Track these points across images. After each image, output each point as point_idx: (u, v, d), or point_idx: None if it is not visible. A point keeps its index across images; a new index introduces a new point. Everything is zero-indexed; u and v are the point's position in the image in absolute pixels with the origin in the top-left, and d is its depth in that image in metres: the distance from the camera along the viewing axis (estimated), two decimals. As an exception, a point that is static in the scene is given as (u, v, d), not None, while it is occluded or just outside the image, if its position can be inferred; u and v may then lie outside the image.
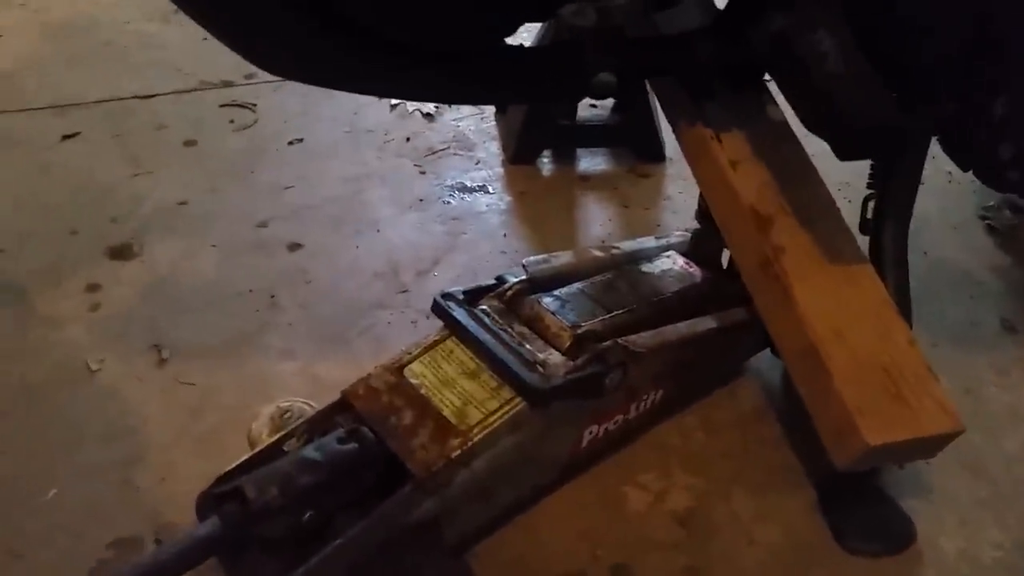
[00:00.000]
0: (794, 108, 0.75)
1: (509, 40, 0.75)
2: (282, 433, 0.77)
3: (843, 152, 0.73)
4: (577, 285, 0.91)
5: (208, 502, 0.69)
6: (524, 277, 0.90)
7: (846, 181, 1.14)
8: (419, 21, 0.66)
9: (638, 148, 1.42)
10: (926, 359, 0.83)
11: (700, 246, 1.02)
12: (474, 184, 1.36)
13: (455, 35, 0.70)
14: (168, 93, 1.52)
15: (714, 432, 0.97)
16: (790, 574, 0.84)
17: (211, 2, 0.65)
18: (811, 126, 0.73)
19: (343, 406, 0.78)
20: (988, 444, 0.97)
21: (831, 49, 0.66)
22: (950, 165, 1.29)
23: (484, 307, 0.86)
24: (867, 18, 0.76)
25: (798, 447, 0.95)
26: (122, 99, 1.50)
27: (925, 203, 1.33)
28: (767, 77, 0.83)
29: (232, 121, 1.46)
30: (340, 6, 0.64)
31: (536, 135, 1.39)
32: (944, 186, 1.41)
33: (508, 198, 1.33)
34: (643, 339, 0.84)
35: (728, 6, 0.76)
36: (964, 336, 1.12)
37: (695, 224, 1.02)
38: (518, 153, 1.40)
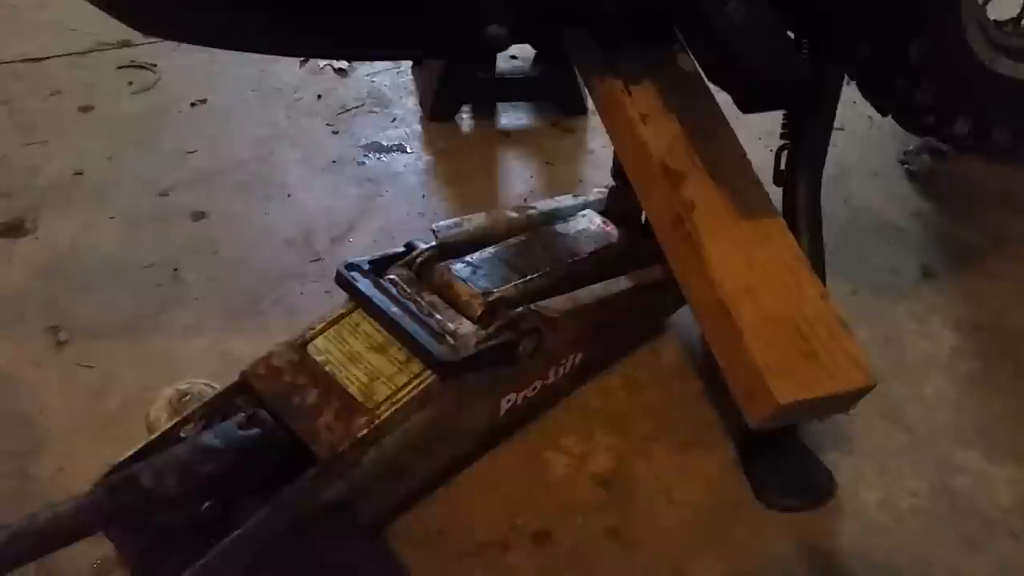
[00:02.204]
0: (697, 59, 0.72)
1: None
2: (179, 418, 0.73)
3: (746, 104, 0.71)
4: (490, 249, 0.88)
5: (105, 487, 0.65)
6: (434, 243, 0.87)
7: (767, 130, 1.12)
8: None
9: (560, 101, 1.39)
10: (840, 312, 0.83)
11: (618, 204, 1.00)
12: (390, 143, 1.31)
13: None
14: (61, 55, 1.43)
15: (636, 391, 0.96)
16: (712, 532, 0.84)
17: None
18: (714, 78, 0.71)
19: (243, 387, 0.75)
20: (907, 392, 0.98)
21: (734, -1, 0.63)
22: (870, 110, 1.29)
23: (392, 276, 0.83)
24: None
25: (719, 403, 0.95)
26: (10, 62, 1.40)
27: (846, 150, 1.33)
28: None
29: (131, 83, 1.38)
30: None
31: (454, 90, 1.35)
32: (865, 132, 1.40)
33: (427, 157, 1.29)
34: (557, 303, 0.81)
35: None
36: (884, 283, 1.13)
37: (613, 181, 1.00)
38: (436, 109, 1.35)
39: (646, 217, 0.96)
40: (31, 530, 0.57)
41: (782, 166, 0.91)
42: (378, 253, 0.85)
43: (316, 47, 0.74)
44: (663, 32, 0.78)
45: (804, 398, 0.76)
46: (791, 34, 0.81)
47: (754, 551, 0.82)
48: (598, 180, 1.24)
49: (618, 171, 0.96)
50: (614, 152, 0.94)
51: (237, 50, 0.68)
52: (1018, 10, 1.27)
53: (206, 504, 0.66)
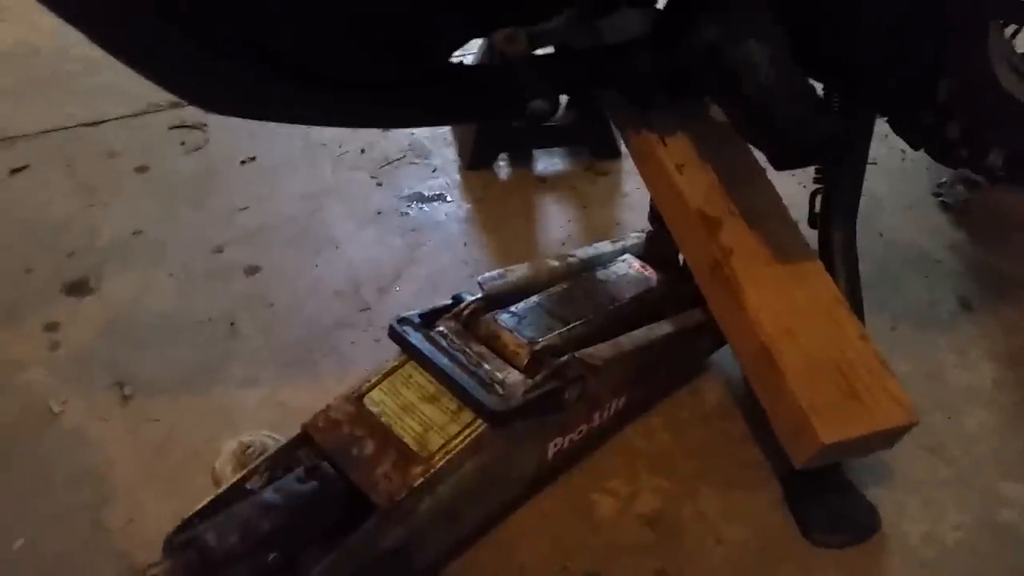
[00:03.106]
0: (730, 120, 0.75)
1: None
2: (244, 472, 0.76)
3: (780, 162, 0.74)
4: (534, 299, 0.92)
5: (173, 549, 0.69)
6: (480, 295, 0.90)
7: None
8: (351, 57, 0.66)
9: (593, 146, 1.42)
10: (880, 347, 0.85)
11: (655, 247, 1.03)
12: (432, 193, 1.35)
13: (389, 63, 0.69)
14: (116, 118, 1.50)
15: (679, 431, 0.98)
16: (759, 571, 0.85)
17: (139, 52, 0.64)
18: (747, 138, 0.74)
19: (304, 439, 0.78)
20: (948, 425, 0.99)
21: (762, 60, 0.67)
22: (903, 144, 1.30)
23: (441, 329, 0.86)
24: (801, 18, 0.76)
25: (763, 441, 0.96)
26: (70, 128, 1.47)
27: (879, 183, 1.35)
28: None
29: (183, 143, 1.44)
30: (274, 50, 0.64)
31: (491, 139, 1.39)
32: (898, 165, 1.42)
33: (467, 205, 1.33)
34: (600, 351, 0.84)
35: (663, 17, 0.76)
36: (923, 317, 1.14)
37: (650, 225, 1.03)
38: (474, 158, 1.40)
39: (684, 259, 0.98)
40: None
41: (816, 209, 0.93)
42: (427, 307, 0.88)
43: (369, 120, 0.78)
44: (694, 92, 0.82)
45: (847, 437, 0.78)
46: (819, 85, 0.84)
47: (802, 589, 0.83)
48: (634, 222, 1.27)
49: (655, 215, 0.99)
50: (651, 198, 0.97)
51: (297, 123, 0.73)
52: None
53: (272, 556, 0.69)
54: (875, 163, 1.37)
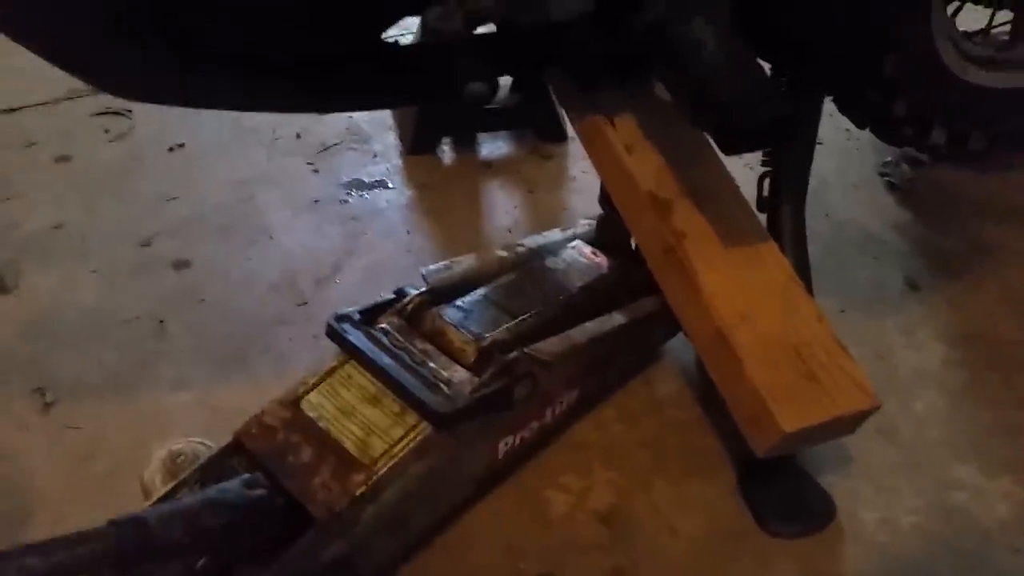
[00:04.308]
0: (677, 102, 0.72)
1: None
2: (173, 483, 0.72)
3: (728, 146, 0.71)
4: (481, 291, 0.88)
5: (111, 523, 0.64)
6: (424, 288, 0.86)
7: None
8: (273, 34, 0.61)
9: (539, 129, 1.39)
10: (836, 332, 0.83)
11: (606, 232, 1.00)
12: (372, 180, 1.30)
13: (314, 42, 0.64)
14: (34, 105, 1.41)
15: (631, 422, 0.96)
16: (716, 564, 0.83)
17: (38, 32, 0.59)
18: (696, 122, 0.71)
19: (237, 448, 0.74)
20: (900, 408, 0.98)
21: (708, 38, 0.63)
22: (847, 123, 1.30)
23: (383, 325, 0.82)
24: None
25: (717, 429, 0.94)
26: (-18, 115, 1.39)
27: (825, 163, 1.34)
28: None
29: (106, 131, 1.37)
30: (190, 29, 0.59)
31: (433, 123, 1.35)
32: (843, 144, 1.41)
33: (409, 192, 1.29)
34: (550, 345, 0.81)
35: (605, -7, 0.72)
36: (871, 298, 1.13)
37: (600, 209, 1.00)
38: (416, 143, 1.35)
39: (636, 243, 0.96)
40: (41, 565, 0.56)
41: (765, 193, 0.91)
42: (369, 302, 0.84)
43: (297, 103, 0.73)
44: (640, 71, 0.78)
45: (809, 424, 0.76)
46: (767, 66, 0.82)
47: (759, 581, 0.82)
48: (582, 207, 1.24)
49: (605, 199, 0.96)
50: (601, 181, 0.94)
51: (217, 109, 0.68)
52: (986, 21, 1.29)
53: (201, 562, 0.64)
54: (821, 143, 1.35)
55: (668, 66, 0.67)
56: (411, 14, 0.73)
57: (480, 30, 0.72)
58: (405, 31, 1.25)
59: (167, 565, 0.64)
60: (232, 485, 0.68)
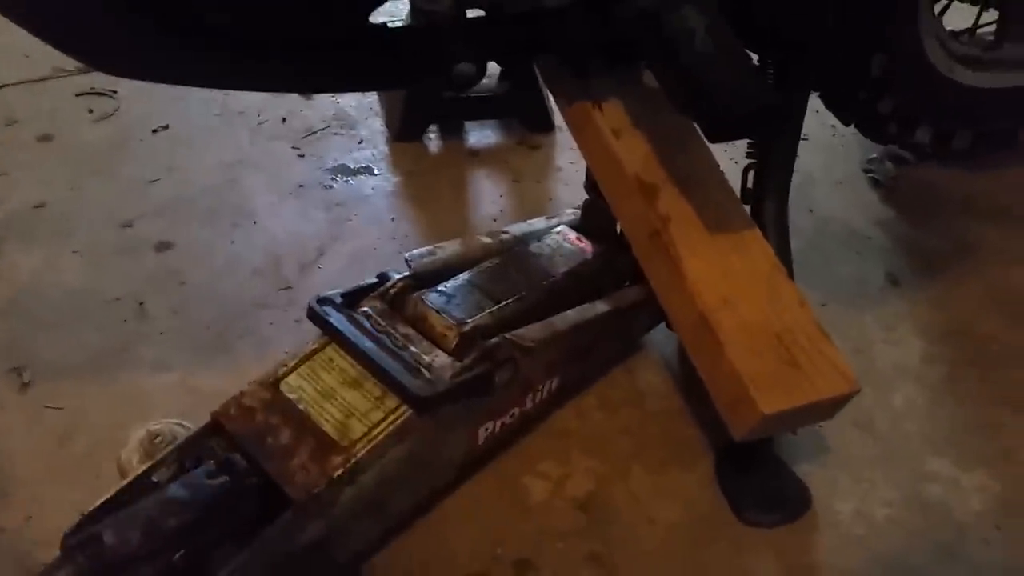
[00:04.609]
0: (664, 89, 0.72)
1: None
2: (150, 463, 0.71)
3: (714, 133, 0.71)
4: (464, 276, 0.88)
5: (68, 551, 0.64)
6: (407, 273, 0.86)
7: (733, 143, 1.13)
8: (262, 12, 0.61)
9: (527, 118, 1.38)
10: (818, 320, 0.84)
11: (591, 218, 1.00)
12: (358, 165, 1.30)
13: (303, 21, 0.64)
14: (17, 83, 1.40)
15: (612, 411, 0.96)
16: (692, 551, 0.84)
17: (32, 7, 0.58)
18: (682, 109, 0.71)
19: (216, 428, 0.73)
20: (877, 401, 0.99)
21: (699, 26, 0.64)
22: (833, 120, 1.30)
23: (365, 309, 0.82)
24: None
25: (696, 418, 0.95)
26: (-36, 92, 1.37)
27: (809, 158, 1.35)
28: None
29: (91, 111, 1.36)
30: (179, 6, 0.58)
31: (421, 110, 1.34)
32: (828, 140, 1.42)
33: (395, 179, 1.28)
34: (532, 331, 0.81)
35: (597, -21, 0.72)
36: (852, 293, 1.14)
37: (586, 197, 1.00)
38: (403, 130, 1.34)
39: (621, 229, 0.96)
40: None
41: (749, 184, 0.92)
42: (351, 286, 0.84)
43: (284, 83, 0.73)
44: (629, 58, 0.78)
45: (788, 407, 0.76)
46: (755, 58, 0.82)
47: (734, 570, 0.82)
48: (568, 198, 1.24)
49: (591, 184, 0.96)
50: (587, 166, 0.94)
51: (205, 87, 0.68)
52: (972, 21, 1.30)
53: (178, 554, 0.64)
54: (806, 138, 1.36)
55: (658, 53, 0.67)
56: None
57: (470, 14, 0.72)
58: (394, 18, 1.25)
59: (138, 570, 0.63)
60: (193, 478, 0.68)
